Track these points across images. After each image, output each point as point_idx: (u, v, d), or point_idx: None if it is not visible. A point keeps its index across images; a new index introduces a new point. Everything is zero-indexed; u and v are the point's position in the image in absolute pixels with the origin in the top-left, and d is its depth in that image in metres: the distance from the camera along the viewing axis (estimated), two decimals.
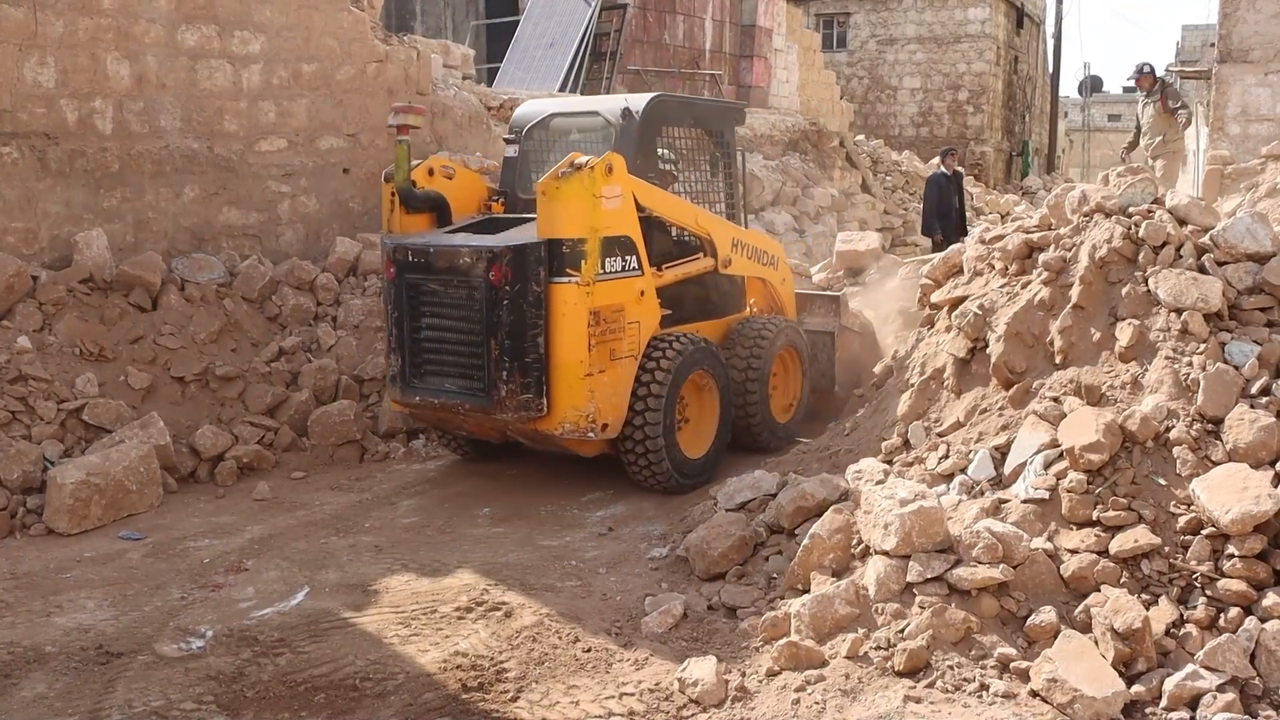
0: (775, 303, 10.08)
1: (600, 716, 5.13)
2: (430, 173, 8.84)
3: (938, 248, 15.03)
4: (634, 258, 8.09)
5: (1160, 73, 16.11)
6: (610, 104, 9.07)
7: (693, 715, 5.12)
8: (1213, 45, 16.89)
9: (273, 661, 5.69)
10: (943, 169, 16.60)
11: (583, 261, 7.67)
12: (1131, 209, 6.82)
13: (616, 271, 7.92)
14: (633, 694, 5.29)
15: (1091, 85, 61.60)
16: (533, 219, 7.98)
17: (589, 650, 5.74)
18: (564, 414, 7.79)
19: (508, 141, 9.45)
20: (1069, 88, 77.61)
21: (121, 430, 8.61)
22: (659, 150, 9.00)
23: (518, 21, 18.26)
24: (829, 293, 11.18)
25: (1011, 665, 5.07)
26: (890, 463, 6.95)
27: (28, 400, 8.56)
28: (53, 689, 5.43)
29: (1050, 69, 44.21)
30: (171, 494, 8.51)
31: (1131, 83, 16.67)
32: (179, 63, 10.89)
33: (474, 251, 7.75)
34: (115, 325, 9.57)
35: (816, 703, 5.06)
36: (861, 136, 27.95)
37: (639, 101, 8.78)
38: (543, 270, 7.63)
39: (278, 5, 11.61)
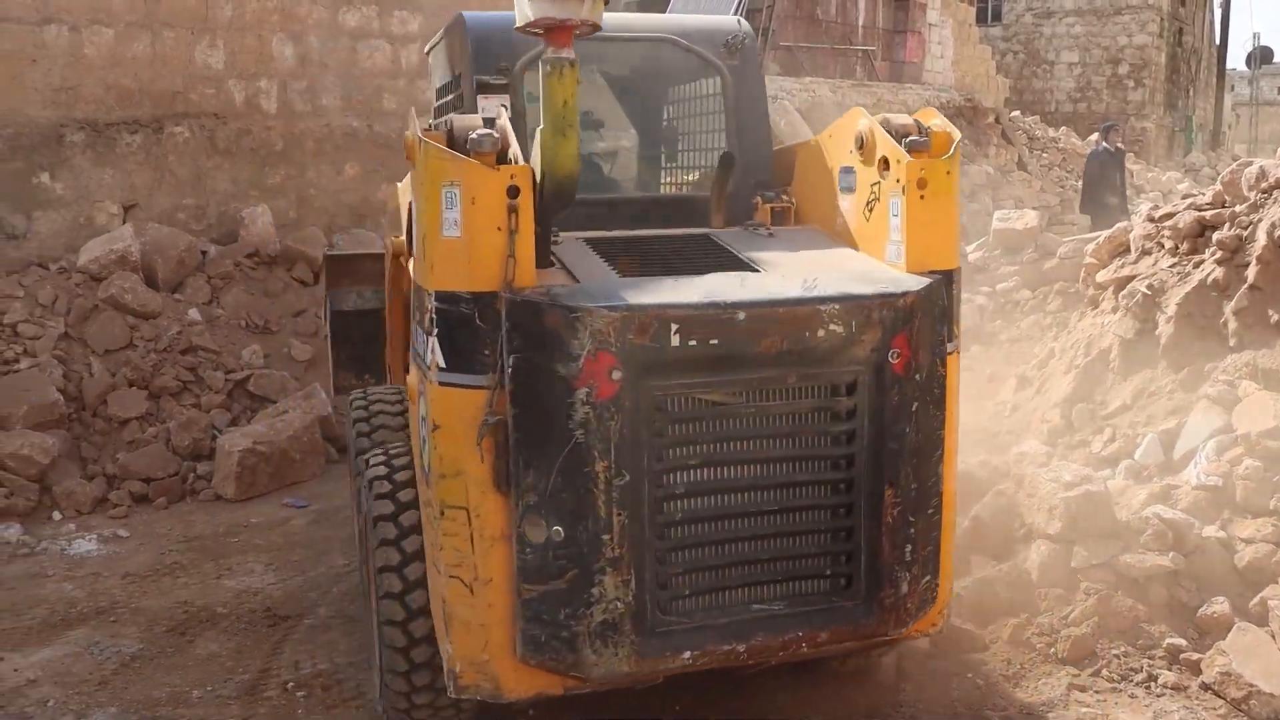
0: None
1: None
2: None
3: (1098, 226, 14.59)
4: None
5: None
6: (678, 25, 5.35)
7: None
8: None
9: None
10: (1105, 145, 16.09)
11: (955, 308, 4.30)
12: None
13: None
14: None
15: (1261, 56, 58.83)
16: (701, 236, 4.64)
17: None
18: (946, 593, 4.41)
19: (486, 88, 4.79)
20: (1236, 59, 74.55)
21: (285, 400, 8.87)
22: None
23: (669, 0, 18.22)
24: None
25: (1181, 656, 4.91)
26: (1053, 445, 6.78)
27: (197, 370, 8.89)
28: (224, 648, 5.65)
29: (1217, 40, 42.53)
30: (332, 463, 8.72)
31: None
32: (340, 43, 11.16)
33: (856, 308, 3.82)
34: (279, 298, 9.87)
35: (977, 688, 4.97)
36: (1017, 112, 27.25)
37: (733, 27, 5.27)
38: (945, 334, 4.15)
39: None
